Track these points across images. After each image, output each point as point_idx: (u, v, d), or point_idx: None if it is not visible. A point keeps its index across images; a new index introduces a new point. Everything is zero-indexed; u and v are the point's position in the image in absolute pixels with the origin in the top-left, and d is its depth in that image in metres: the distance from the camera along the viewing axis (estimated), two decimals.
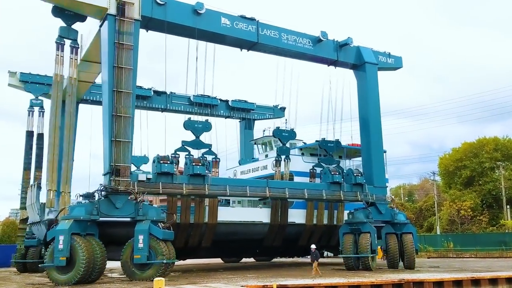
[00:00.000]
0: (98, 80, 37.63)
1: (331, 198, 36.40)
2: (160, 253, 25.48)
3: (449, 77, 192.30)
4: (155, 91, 44.95)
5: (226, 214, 34.42)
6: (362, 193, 36.38)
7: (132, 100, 27.94)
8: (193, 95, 45.21)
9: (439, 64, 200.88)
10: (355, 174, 36.49)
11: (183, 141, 32.70)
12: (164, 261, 25.28)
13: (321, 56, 37.63)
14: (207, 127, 32.88)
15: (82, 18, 30.08)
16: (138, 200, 26.62)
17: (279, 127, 39.35)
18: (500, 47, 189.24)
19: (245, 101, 50.69)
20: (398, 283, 23.55)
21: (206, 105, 45.69)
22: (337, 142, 39.63)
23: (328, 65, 38.93)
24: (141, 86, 43.01)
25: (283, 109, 52.05)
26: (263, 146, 48.85)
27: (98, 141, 29.27)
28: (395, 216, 36.65)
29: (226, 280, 24.95)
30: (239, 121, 52.31)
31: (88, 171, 65.09)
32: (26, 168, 39.83)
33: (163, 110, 45.68)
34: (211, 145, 33.41)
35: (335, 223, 38.65)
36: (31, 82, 40.47)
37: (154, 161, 29.65)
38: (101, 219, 26.40)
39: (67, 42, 30.04)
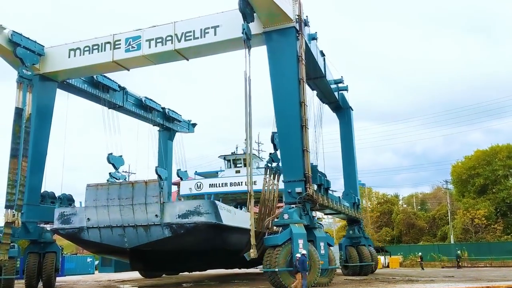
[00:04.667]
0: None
1: (352, 215, 41.38)
2: (333, 260, 27.14)
3: (395, 76, 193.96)
4: (118, 86, 41.33)
5: None
6: (359, 212, 43.63)
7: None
8: (145, 98, 44.68)
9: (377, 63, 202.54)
10: (357, 198, 43.29)
11: (271, 154, 35.20)
12: (339, 266, 27.65)
13: (333, 95, 42.56)
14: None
15: (252, 19, 28.93)
16: (316, 208, 28.60)
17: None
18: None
19: (176, 112, 49.87)
20: None
21: (151, 110, 45.66)
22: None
23: (327, 103, 44.03)
24: (108, 77, 40.29)
25: (194, 125, 53.31)
26: (235, 162, 47.38)
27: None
28: (364, 233, 44.43)
29: None
30: (158, 130, 49.42)
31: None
32: (14, 155, 31.15)
33: (111, 106, 41.04)
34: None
35: None
36: (24, 47, 32.84)
37: (314, 172, 30.16)
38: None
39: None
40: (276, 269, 24.35)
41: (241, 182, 41.79)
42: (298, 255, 28.72)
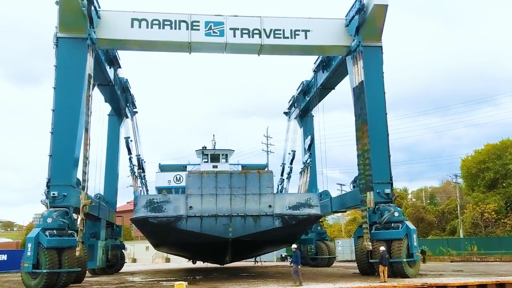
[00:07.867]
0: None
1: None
2: (417, 251, 29.04)
3: None
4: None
5: None
6: None
7: None
8: (126, 79, 43.42)
9: None
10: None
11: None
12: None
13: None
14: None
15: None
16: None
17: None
18: None
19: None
20: (421, 287, 23.28)
21: (124, 92, 43.99)
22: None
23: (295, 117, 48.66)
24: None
25: (135, 112, 49.75)
26: (210, 156, 47.11)
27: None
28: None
29: (247, 284, 25.01)
30: (109, 114, 45.40)
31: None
32: (87, 128, 27.75)
33: (100, 82, 38.21)
34: None
35: None
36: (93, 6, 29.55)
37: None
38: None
39: None
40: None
41: None
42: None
